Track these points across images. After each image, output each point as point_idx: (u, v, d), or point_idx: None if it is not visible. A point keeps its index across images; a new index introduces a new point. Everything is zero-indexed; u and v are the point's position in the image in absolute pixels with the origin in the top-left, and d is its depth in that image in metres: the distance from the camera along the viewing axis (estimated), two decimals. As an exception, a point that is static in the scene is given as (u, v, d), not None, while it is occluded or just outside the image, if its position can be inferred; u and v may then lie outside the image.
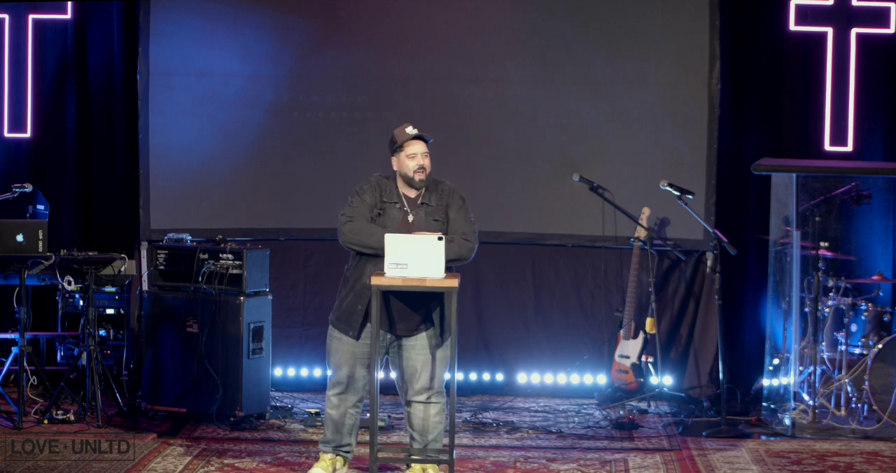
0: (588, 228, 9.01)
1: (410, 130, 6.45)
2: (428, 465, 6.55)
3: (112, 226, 9.34)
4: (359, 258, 6.47)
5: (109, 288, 8.71)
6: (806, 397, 8.16)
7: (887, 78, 9.09)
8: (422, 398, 6.47)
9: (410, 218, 6.44)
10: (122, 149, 9.37)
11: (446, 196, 6.52)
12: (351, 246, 6.44)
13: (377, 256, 6.33)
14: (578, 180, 8.85)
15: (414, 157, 6.42)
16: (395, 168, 6.51)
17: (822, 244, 8.14)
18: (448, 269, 6.33)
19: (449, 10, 9.04)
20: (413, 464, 6.56)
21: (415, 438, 6.56)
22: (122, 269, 8.08)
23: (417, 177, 6.42)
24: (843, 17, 8.99)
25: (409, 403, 6.54)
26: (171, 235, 8.39)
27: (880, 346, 8.03)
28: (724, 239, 8.17)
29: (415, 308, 6.40)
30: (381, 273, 6.52)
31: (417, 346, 6.45)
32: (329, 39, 9.05)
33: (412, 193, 6.49)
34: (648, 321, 8.71)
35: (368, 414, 6.50)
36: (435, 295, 6.36)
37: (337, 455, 6.59)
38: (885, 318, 8.30)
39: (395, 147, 6.49)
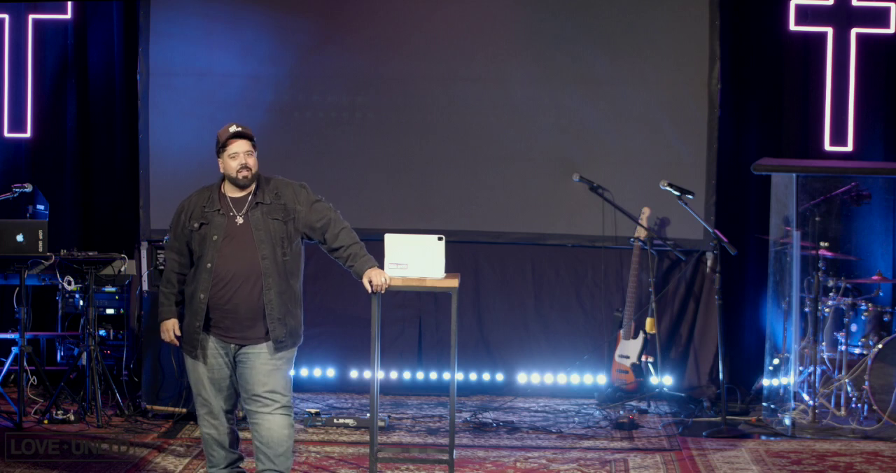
0: (588, 228, 9.01)
1: (233, 128, 6.03)
2: None
3: (112, 226, 9.35)
4: (192, 272, 6.13)
5: (109, 288, 8.72)
6: (806, 397, 8.16)
7: (887, 78, 9.10)
8: (267, 409, 6.05)
9: (239, 220, 6.03)
10: (122, 149, 9.38)
11: (286, 192, 6.12)
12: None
13: (201, 267, 6.04)
14: (578, 180, 8.85)
15: (236, 157, 6.00)
16: (220, 170, 6.11)
17: (822, 244, 8.14)
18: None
19: (449, 10, 9.04)
20: None
21: (263, 452, 6.08)
22: (122, 269, 8.08)
23: (241, 175, 6.00)
24: (843, 17, 9.00)
25: (253, 413, 6.09)
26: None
27: (880, 346, 8.03)
28: (724, 239, 8.18)
29: (257, 315, 6.04)
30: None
31: (263, 354, 6.04)
32: (329, 39, 9.06)
33: (239, 194, 6.09)
34: (648, 321, 8.71)
35: (368, 414, 6.49)
36: (277, 301, 6.04)
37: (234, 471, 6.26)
38: (885, 318, 8.31)
39: (219, 146, 6.06)
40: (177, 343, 6.18)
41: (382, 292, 6.26)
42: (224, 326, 6.06)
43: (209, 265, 6.02)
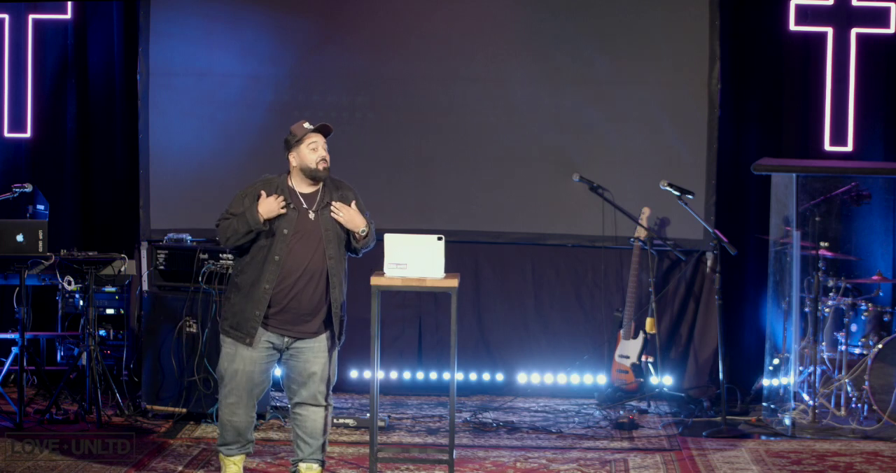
0: (588, 228, 9.01)
1: (308, 125, 6.28)
2: (314, 463, 6.39)
3: (112, 226, 9.35)
4: (250, 261, 6.23)
5: (109, 288, 8.72)
6: (806, 397, 8.16)
7: (887, 78, 9.09)
8: (316, 401, 6.31)
9: (311, 216, 6.22)
10: (122, 149, 9.38)
11: (349, 195, 6.35)
12: (230, 241, 6.21)
13: (268, 258, 6.14)
14: (578, 180, 8.85)
15: (316, 149, 6.25)
16: (293, 164, 6.27)
17: (822, 244, 8.14)
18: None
19: (449, 10, 9.04)
20: (301, 465, 6.40)
21: (306, 441, 6.35)
22: (122, 269, 8.08)
23: (321, 167, 6.22)
24: (843, 17, 8.99)
25: (300, 405, 6.34)
26: (170, 235, 8.40)
27: (880, 346, 8.03)
28: (724, 239, 8.18)
29: (316, 311, 6.24)
30: (380, 273, 6.53)
31: (315, 348, 6.28)
32: (329, 39, 9.06)
33: (308, 190, 6.29)
34: (648, 321, 8.71)
35: (368, 414, 6.49)
36: (338, 298, 6.25)
37: (242, 453, 6.43)
38: (885, 318, 8.30)
39: (295, 140, 6.26)
40: (283, 201, 6.19)
41: (341, 215, 6.26)
42: (282, 319, 6.23)
43: (277, 258, 6.17)
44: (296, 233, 6.20)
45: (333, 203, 6.27)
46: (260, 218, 6.14)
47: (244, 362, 6.25)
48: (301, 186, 6.30)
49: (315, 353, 6.29)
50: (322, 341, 6.30)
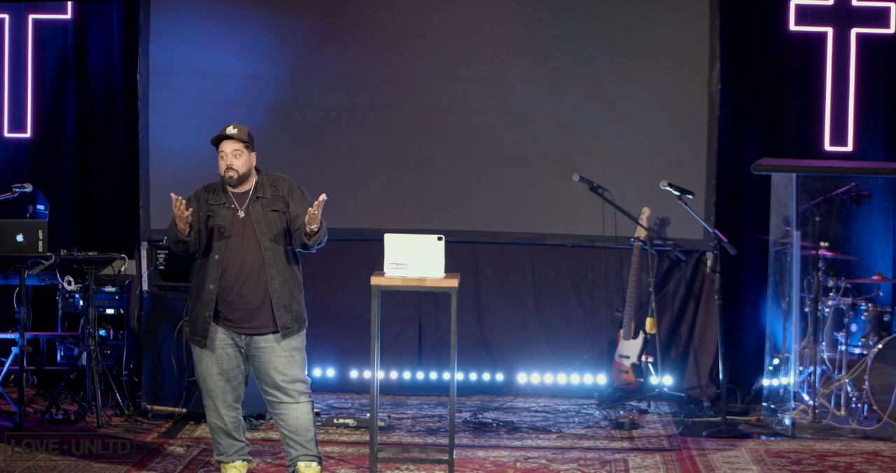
0: (588, 228, 9.01)
1: (225, 131, 6.28)
2: (311, 461, 6.38)
3: (112, 226, 9.35)
4: (198, 265, 6.34)
5: (109, 288, 8.72)
6: (806, 397, 8.16)
7: (887, 78, 9.09)
8: (291, 399, 6.30)
9: (241, 214, 6.27)
10: (122, 149, 9.38)
11: (284, 187, 6.35)
12: (177, 250, 6.34)
13: (210, 259, 6.23)
14: (578, 180, 8.85)
15: (223, 157, 6.27)
16: None
17: (822, 244, 8.14)
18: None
19: (449, 10, 9.04)
20: (299, 462, 6.39)
21: (294, 440, 6.33)
22: (122, 269, 8.08)
23: (227, 175, 6.25)
24: (843, 17, 8.99)
25: (276, 405, 6.32)
26: (170, 235, 8.39)
27: (880, 346, 8.03)
28: (724, 239, 8.18)
29: (263, 304, 6.24)
30: (380, 273, 6.53)
31: (276, 347, 6.26)
32: (329, 39, 9.06)
33: (240, 190, 6.33)
34: (648, 321, 8.71)
35: (368, 414, 6.49)
36: (281, 289, 6.23)
37: (242, 460, 6.44)
38: (885, 318, 8.30)
39: (215, 147, 6.34)
40: (183, 204, 6.16)
41: (318, 212, 6.17)
42: (233, 318, 6.26)
43: (217, 257, 6.26)
44: (232, 230, 6.27)
45: (311, 207, 6.18)
46: (179, 229, 6.20)
47: (209, 363, 6.32)
48: (233, 187, 6.34)
49: (276, 352, 6.27)
50: (280, 338, 6.26)
